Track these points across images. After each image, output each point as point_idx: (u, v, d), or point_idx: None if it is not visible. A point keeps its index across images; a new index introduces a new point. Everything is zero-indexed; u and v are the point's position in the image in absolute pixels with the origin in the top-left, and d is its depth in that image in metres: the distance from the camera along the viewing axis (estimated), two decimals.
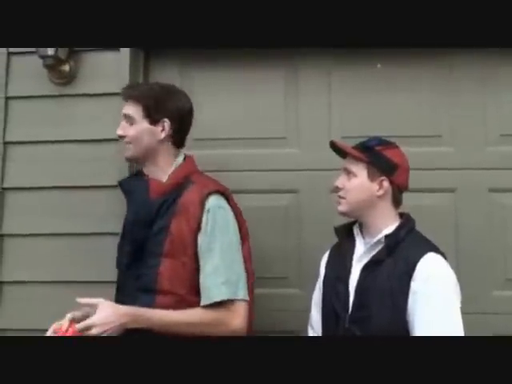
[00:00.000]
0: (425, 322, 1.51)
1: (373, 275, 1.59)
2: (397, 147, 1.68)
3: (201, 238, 1.65)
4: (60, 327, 1.54)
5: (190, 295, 1.65)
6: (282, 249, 2.23)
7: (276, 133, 2.28)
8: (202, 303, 1.63)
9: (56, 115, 2.27)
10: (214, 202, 1.69)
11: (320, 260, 1.81)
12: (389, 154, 1.64)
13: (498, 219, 2.15)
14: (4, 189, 2.28)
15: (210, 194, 1.69)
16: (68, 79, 2.27)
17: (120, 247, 1.82)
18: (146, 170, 1.81)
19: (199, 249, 1.65)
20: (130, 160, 1.87)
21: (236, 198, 2.16)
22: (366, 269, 1.61)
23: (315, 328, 1.77)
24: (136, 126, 1.75)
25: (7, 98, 2.30)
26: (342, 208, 1.68)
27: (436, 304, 1.53)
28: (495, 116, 2.18)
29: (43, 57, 2.17)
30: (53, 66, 2.20)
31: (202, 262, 1.65)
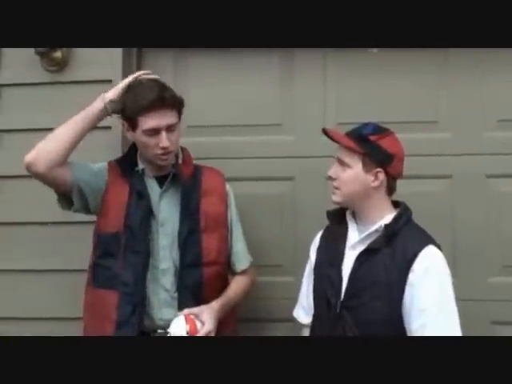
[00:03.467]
0: (421, 311, 1.51)
1: (368, 264, 1.58)
2: (391, 134, 1.64)
3: (229, 213, 1.92)
4: (190, 329, 1.67)
5: (226, 263, 1.90)
6: (277, 236, 2.21)
7: (271, 119, 2.26)
8: (241, 267, 1.93)
9: (49, 102, 2.25)
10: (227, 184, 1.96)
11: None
12: (384, 144, 1.60)
13: (495, 206, 2.13)
14: None
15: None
16: (60, 66, 2.24)
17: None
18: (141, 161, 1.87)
19: (229, 221, 1.91)
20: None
21: (231, 185, 2.16)
22: (362, 257, 1.59)
23: (306, 309, 1.76)
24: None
25: (0, 86, 2.27)
26: (336, 198, 1.66)
27: (434, 295, 1.53)
28: (493, 101, 2.15)
29: None
30: (45, 53, 2.18)
31: (233, 232, 1.92)
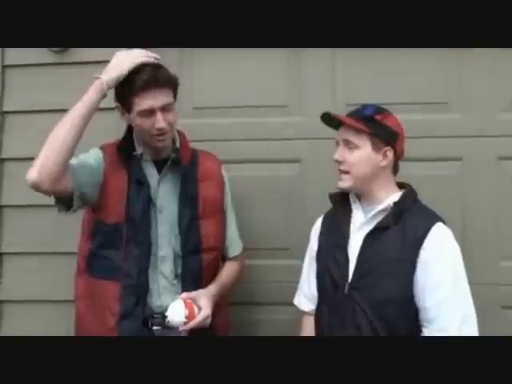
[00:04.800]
0: (437, 288, 1.51)
1: (378, 243, 1.57)
2: (392, 113, 1.65)
3: (226, 198, 1.91)
4: (188, 314, 1.66)
5: (223, 248, 1.91)
6: (284, 219, 2.19)
7: (278, 100, 2.22)
8: (234, 253, 1.94)
9: (53, 83, 2.23)
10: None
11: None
12: (389, 122, 1.62)
13: (507, 188, 2.09)
14: (2, 159, 2.25)
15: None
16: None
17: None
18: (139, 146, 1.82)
19: (225, 207, 1.91)
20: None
21: (238, 167, 2.14)
22: (371, 236, 1.59)
23: (308, 296, 1.76)
24: None
25: (4, 67, 2.25)
26: (344, 184, 1.64)
27: (448, 272, 1.54)
28: (505, 81, 2.10)
29: None
30: None
31: (228, 218, 1.93)
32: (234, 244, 1.95)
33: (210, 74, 2.23)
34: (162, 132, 1.72)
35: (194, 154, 1.87)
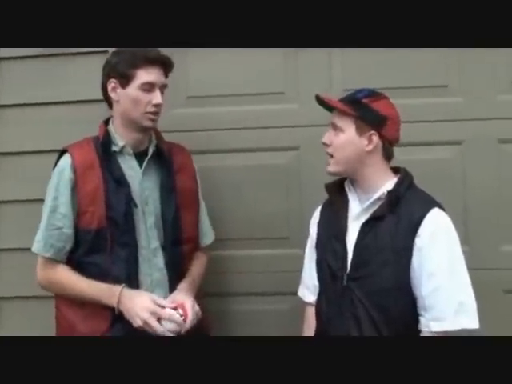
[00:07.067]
0: (432, 275, 1.50)
1: (374, 232, 1.55)
2: (386, 98, 1.61)
3: (199, 190, 1.93)
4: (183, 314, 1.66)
5: (198, 239, 1.92)
6: (282, 208, 2.16)
7: (274, 87, 2.18)
8: (207, 242, 1.97)
9: (49, 75, 2.19)
10: None
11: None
12: (377, 106, 1.58)
13: (508, 171, 2.06)
14: None
15: None
16: None
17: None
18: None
19: (199, 198, 1.93)
20: None
21: (234, 156, 2.11)
22: (366, 226, 1.56)
23: (311, 288, 1.75)
24: None
25: None
26: (331, 168, 1.63)
27: (444, 258, 1.51)
28: (505, 62, 2.06)
29: None
30: None
31: (201, 209, 1.94)
32: (208, 233, 1.97)
33: (204, 63, 2.18)
34: (156, 111, 1.73)
35: (169, 146, 1.87)
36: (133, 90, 1.72)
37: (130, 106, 1.73)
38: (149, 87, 1.71)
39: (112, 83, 1.75)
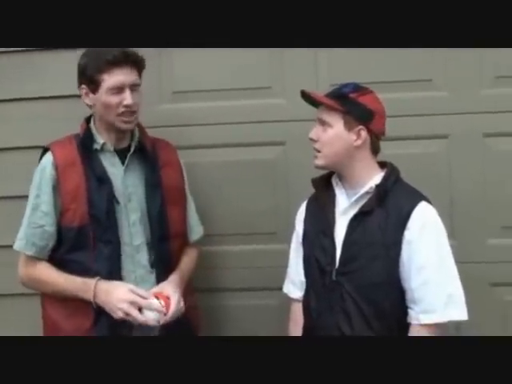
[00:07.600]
0: (422, 268, 1.51)
1: (362, 227, 1.55)
2: (372, 92, 1.62)
3: (186, 185, 1.92)
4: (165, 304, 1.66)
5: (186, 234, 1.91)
6: (270, 203, 2.15)
7: (260, 82, 2.16)
8: (195, 238, 1.95)
9: (39, 69, 2.17)
10: None
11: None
12: (364, 100, 1.58)
13: (493, 165, 2.07)
14: None
15: None
16: None
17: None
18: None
19: (186, 193, 1.92)
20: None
21: (221, 152, 2.10)
22: (355, 220, 1.57)
23: (297, 284, 1.74)
24: None
25: None
26: (318, 162, 1.63)
27: (433, 251, 1.53)
28: (490, 56, 2.06)
29: None
30: None
31: (188, 205, 1.93)
32: (196, 229, 1.96)
33: (189, 57, 2.16)
34: (129, 110, 1.71)
35: (154, 141, 1.86)
36: (102, 94, 1.70)
37: (102, 110, 1.73)
38: (117, 90, 1.69)
39: (83, 89, 1.74)
